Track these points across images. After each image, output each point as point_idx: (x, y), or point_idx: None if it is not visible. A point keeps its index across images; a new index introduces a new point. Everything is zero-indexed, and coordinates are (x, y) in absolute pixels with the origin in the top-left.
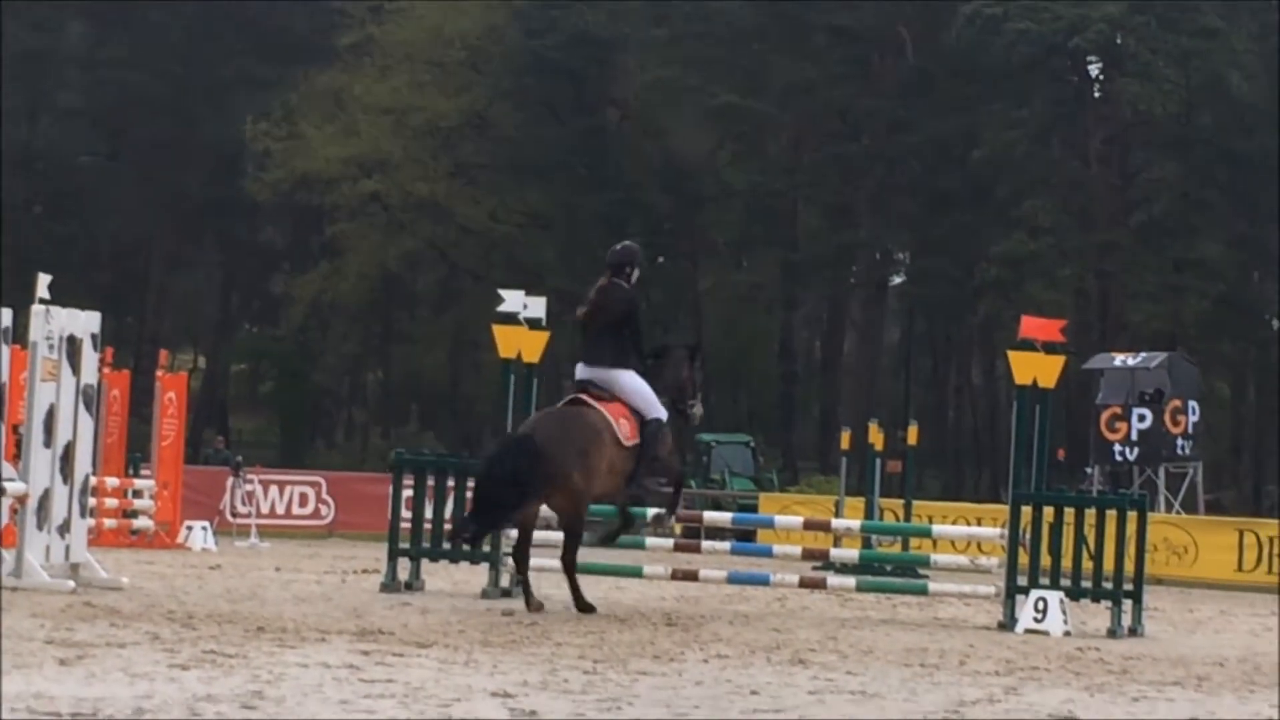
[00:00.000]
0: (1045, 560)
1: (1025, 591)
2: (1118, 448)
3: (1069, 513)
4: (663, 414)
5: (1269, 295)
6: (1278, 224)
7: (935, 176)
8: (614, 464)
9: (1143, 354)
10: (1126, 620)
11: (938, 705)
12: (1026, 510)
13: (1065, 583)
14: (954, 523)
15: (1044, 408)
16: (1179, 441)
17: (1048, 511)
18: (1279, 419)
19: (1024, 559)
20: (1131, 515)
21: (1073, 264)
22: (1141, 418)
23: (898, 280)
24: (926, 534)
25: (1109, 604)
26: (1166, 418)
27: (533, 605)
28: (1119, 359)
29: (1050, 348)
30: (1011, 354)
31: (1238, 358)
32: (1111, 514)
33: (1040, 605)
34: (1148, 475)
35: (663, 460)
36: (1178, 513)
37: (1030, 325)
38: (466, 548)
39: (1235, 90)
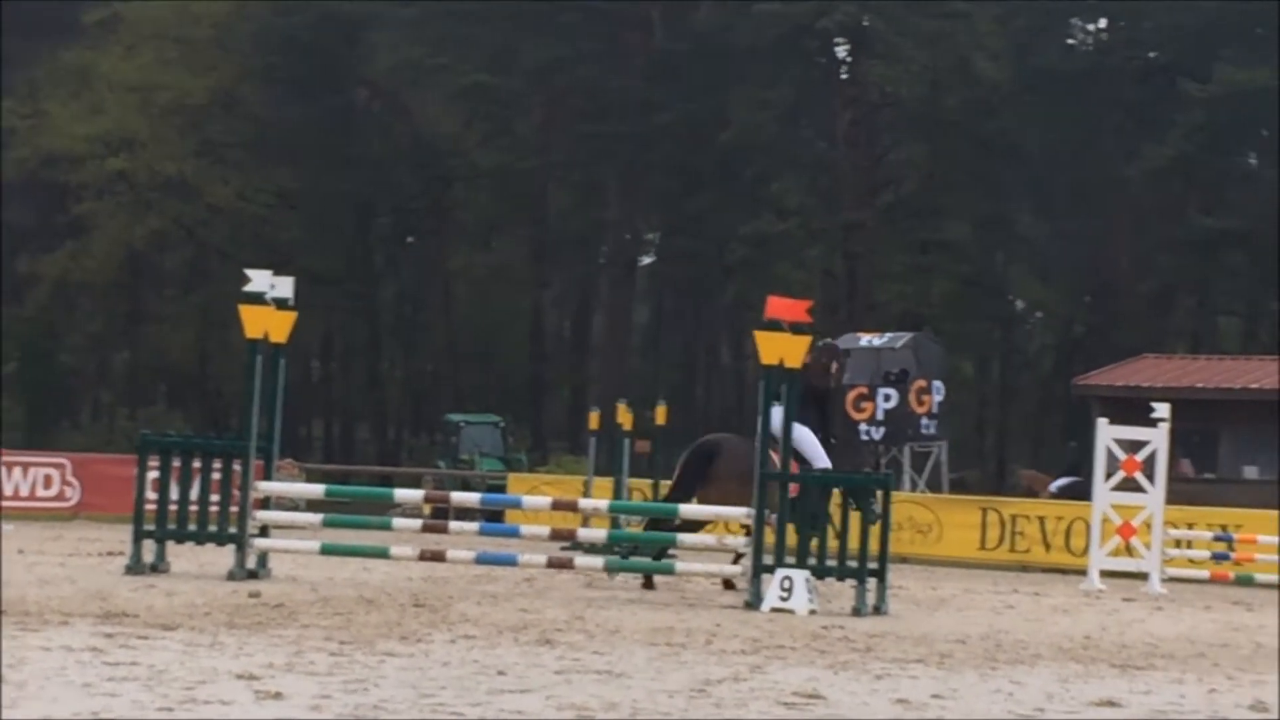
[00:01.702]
0: (792, 539)
1: (771, 570)
2: (864, 427)
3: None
4: (828, 465)
5: (1013, 276)
6: (1023, 204)
7: (685, 156)
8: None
9: (889, 334)
10: (871, 599)
11: (683, 684)
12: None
13: (811, 561)
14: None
15: (791, 387)
16: (924, 421)
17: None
18: (1022, 398)
19: (771, 538)
20: (877, 495)
21: (820, 244)
22: (887, 397)
23: (647, 260)
24: (673, 514)
25: (854, 582)
26: (912, 397)
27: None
28: (865, 339)
29: (797, 328)
30: (758, 334)
31: (982, 337)
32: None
33: (786, 584)
34: (893, 454)
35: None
36: (923, 491)
37: (776, 305)
38: None
39: (980, 72)
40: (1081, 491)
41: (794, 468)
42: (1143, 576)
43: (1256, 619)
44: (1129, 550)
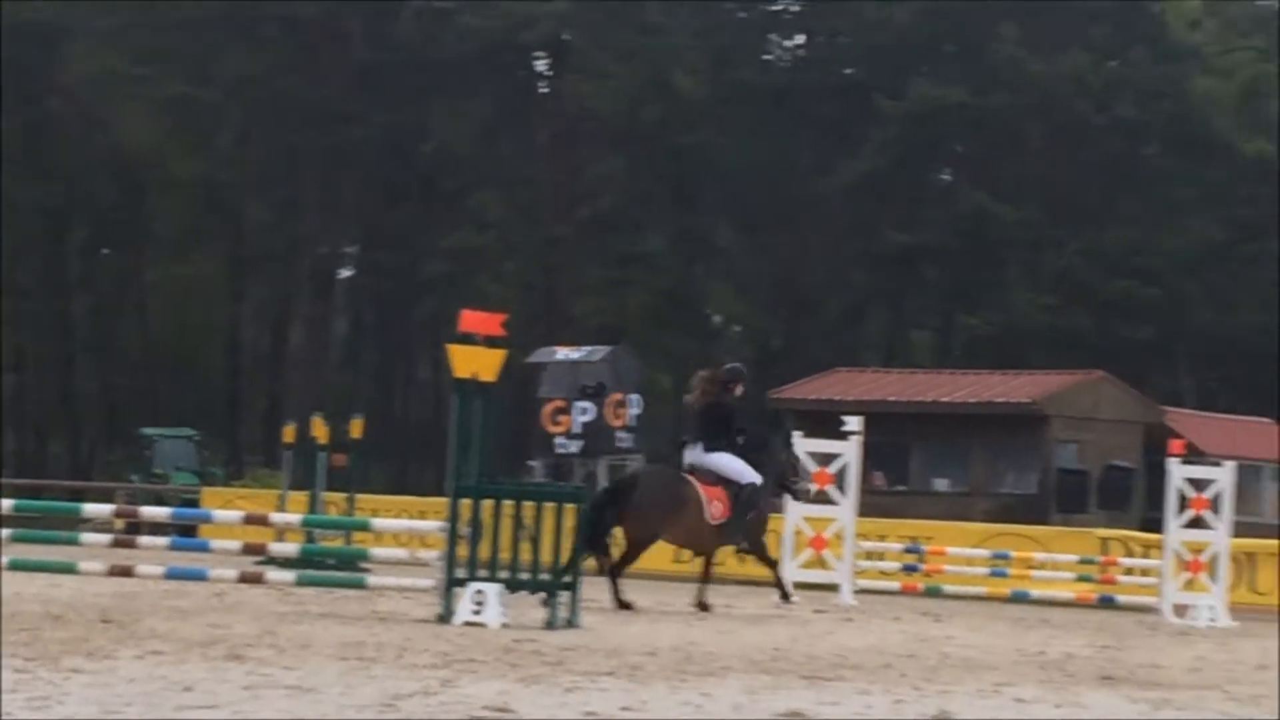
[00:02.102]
0: (485, 553)
1: (464, 584)
2: (560, 440)
3: (509, 505)
4: (756, 479)
5: (711, 289)
6: (721, 218)
7: (384, 169)
8: (694, 530)
9: (586, 348)
10: (564, 612)
11: (373, 698)
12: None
13: (505, 575)
14: (399, 516)
15: (486, 401)
16: (620, 434)
17: (487, 504)
18: None
19: (465, 552)
20: (570, 508)
21: (519, 258)
22: (584, 411)
23: (347, 273)
24: (366, 527)
25: (547, 595)
26: (608, 411)
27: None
28: (562, 353)
29: (491, 341)
30: (451, 347)
31: (680, 351)
32: (550, 506)
33: (478, 598)
34: (590, 468)
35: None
36: None
37: (470, 319)
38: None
39: (678, 87)
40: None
41: (721, 493)
42: (834, 588)
43: (944, 630)
44: (821, 562)
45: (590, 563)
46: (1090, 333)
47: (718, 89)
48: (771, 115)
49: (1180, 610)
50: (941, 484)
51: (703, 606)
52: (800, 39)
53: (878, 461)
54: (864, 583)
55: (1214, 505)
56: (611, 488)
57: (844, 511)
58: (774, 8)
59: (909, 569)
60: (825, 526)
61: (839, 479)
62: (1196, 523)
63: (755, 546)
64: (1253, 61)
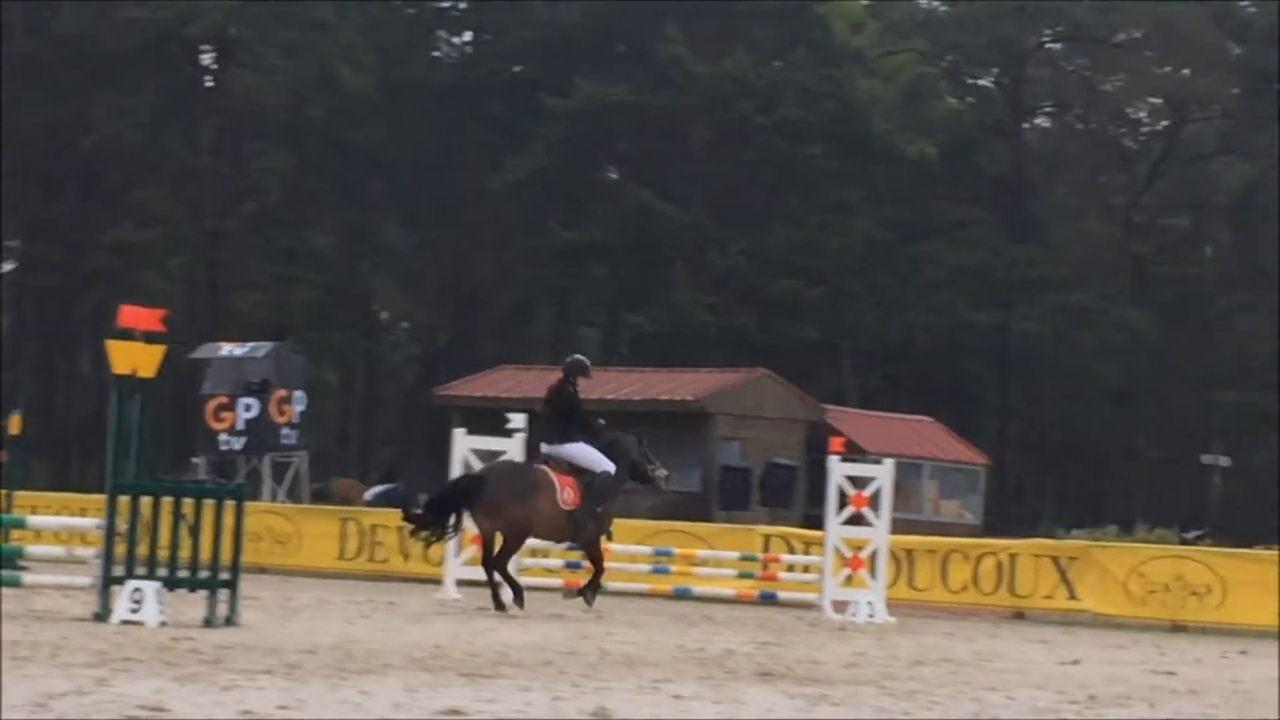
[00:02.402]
0: (144, 550)
1: (122, 582)
2: (224, 437)
3: (168, 502)
4: (610, 468)
5: (378, 286)
6: (388, 214)
7: (45, 162)
8: (549, 517)
9: (250, 344)
10: (223, 610)
11: (26, 698)
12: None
13: (163, 573)
14: (59, 513)
15: (145, 397)
16: (285, 431)
17: (146, 502)
18: (386, 408)
19: (123, 549)
20: (229, 505)
21: (184, 253)
22: (248, 407)
23: (8, 267)
24: (21, 525)
25: (206, 593)
26: (273, 407)
27: (499, 605)
28: (227, 349)
29: (151, 337)
30: (110, 343)
31: (346, 347)
32: (210, 504)
33: (136, 596)
34: (254, 464)
35: (597, 516)
36: (283, 502)
37: (129, 314)
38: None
39: (346, 82)
40: (398, 498)
41: (573, 481)
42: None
43: (606, 627)
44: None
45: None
46: (754, 332)
47: (386, 85)
48: (439, 112)
49: (840, 606)
50: None
51: (586, 593)
52: (468, 36)
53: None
54: (529, 580)
55: (873, 502)
56: (460, 485)
57: None
58: (442, 4)
59: (573, 566)
60: None
61: None
62: (856, 520)
63: (593, 541)
64: (914, 64)
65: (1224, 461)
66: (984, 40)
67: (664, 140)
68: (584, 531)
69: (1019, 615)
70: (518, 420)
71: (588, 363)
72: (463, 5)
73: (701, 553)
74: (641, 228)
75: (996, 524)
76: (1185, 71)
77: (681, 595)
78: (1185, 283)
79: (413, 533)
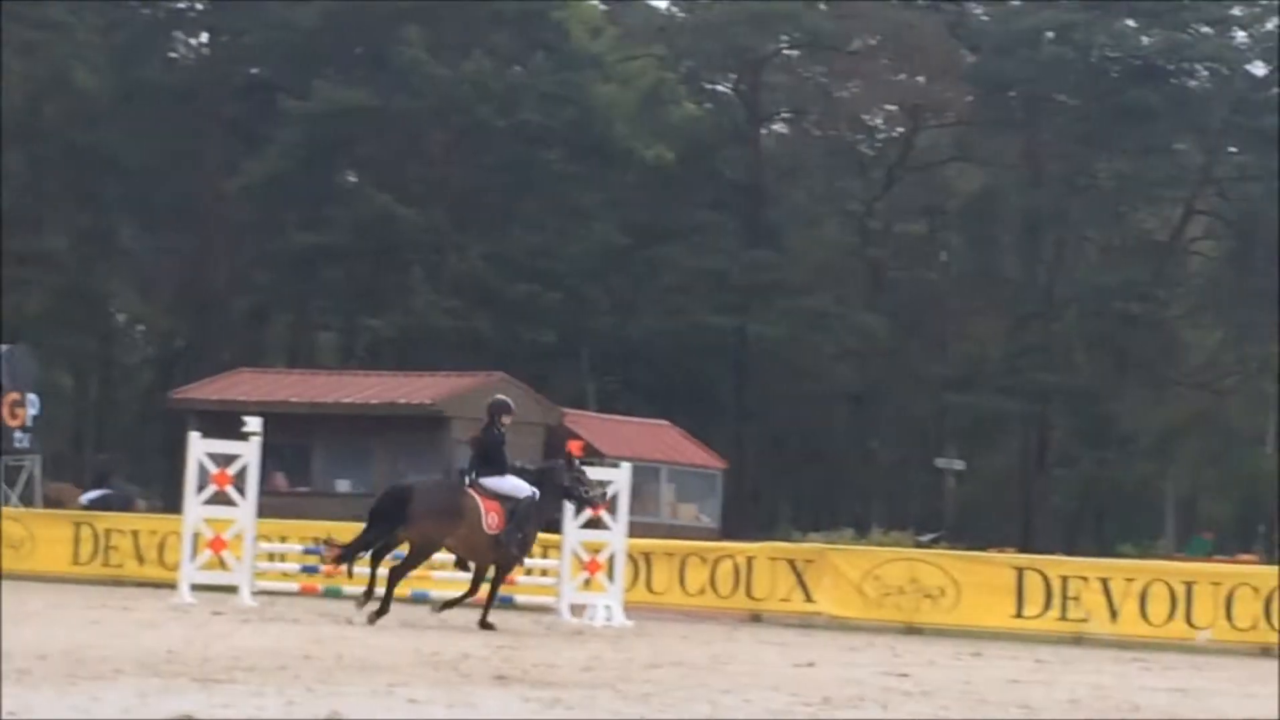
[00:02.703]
0: None
1: None
2: None
3: None
4: (534, 494)
5: (114, 288)
6: (124, 217)
7: None
8: (469, 538)
9: None
10: None
11: None
12: None
13: None
14: None
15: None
16: (17, 434)
17: None
18: (122, 411)
19: None
20: None
21: None
22: None
23: None
24: None
25: None
26: (5, 411)
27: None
28: None
29: None
30: None
31: (81, 350)
32: None
33: None
34: None
35: (519, 540)
36: (16, 506)
37: None
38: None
39: (80, 83)
40: (114, 503)
41: (498, 506)
42: (233, 589)
43: (342, 631)
44: (221, 563)
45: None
46: (493, 335)
47: (120, 86)
48: (175, 114)
49: (577, 610)
50: (343, 485)
51: (486, 625)
52: (205, 38)
53: (279, 462)
54: (264, 584)
55: (611, 506)
56: (388, 498)
57: (244, 513)
58: (178, 5)
59: (309, 570)
60: (225, 528)
61: (239, 480)
62: (594, 523)
63: (511, 565)
64: (652, 69)
65: (958, 465)
66: (721, 46)
67: (403, 144)
68: (505, 554)
69: (755, 618)
70: (254, 424)
71: (510, 402)
72: (199, 6)
73: (440, 556)
74: (380, 231)
75: (734, 527)
76: (920, 79)
77: (419, 599)
78: (920, 287)
79: (337, 560)
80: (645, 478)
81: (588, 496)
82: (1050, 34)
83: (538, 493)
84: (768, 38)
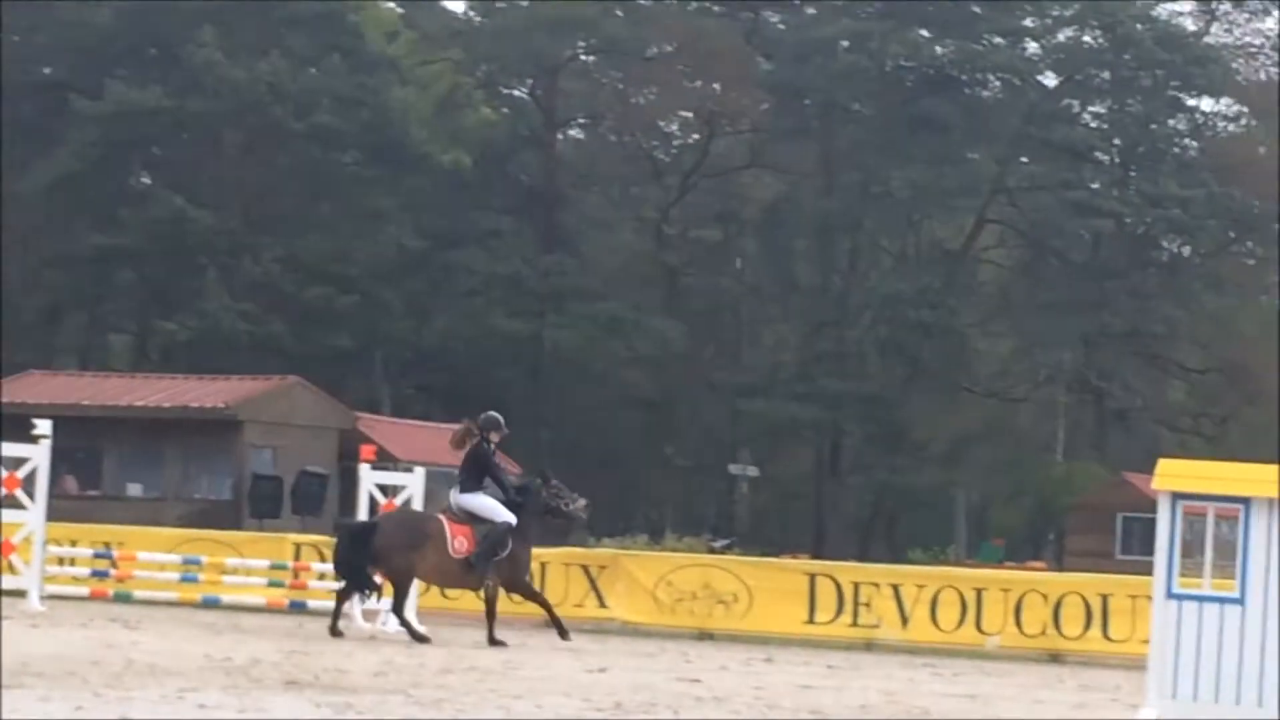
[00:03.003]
0: None
1: None
2: None
3: None
4: (509, 518)
5: None
6: None
7: None
8: (435, 564)
9: None
10: None
11: None
12: None
13: None
14: None
15: None
16: None
17: None
18: None
19: None
20: None
21: None
22: None
23: None
24: None
25: None
26: None
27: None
28: None
29: None
30: None
31: None
32: None
33: None
34: None
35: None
36: None
37: None
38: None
39: None
40: None
41: (468, 530)
42: (22, 594)
43: (132, 636)
44: (10, 567)
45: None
46: (287, 339)
47: None
48: None
49: (371, 615)
50: (135, 489)
51: (495, 642)
52: None
53: (70, 466)
54: (53, 588)
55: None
56: (353, 532)
57: (33, 516)
58: None
59: (99, 574)
60: (14, 531)
61: (28, 483)
62: None
63: (517, 586)
64: (449, 73)
65: (752, 471)
66: (518, 51)
67: (197, 145)
68: (476, 578)
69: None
70: (44, 427)
71: (500, 418)
72: None
73: (231, 561)
74: (173, 233)
75: None
76: (716, 86)
77: (210, 604)
78: (715, 294)
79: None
80: (439, 483)
81: (570, 510)
82: (845, 43)
83: (514, 520)
84: (564, 43)
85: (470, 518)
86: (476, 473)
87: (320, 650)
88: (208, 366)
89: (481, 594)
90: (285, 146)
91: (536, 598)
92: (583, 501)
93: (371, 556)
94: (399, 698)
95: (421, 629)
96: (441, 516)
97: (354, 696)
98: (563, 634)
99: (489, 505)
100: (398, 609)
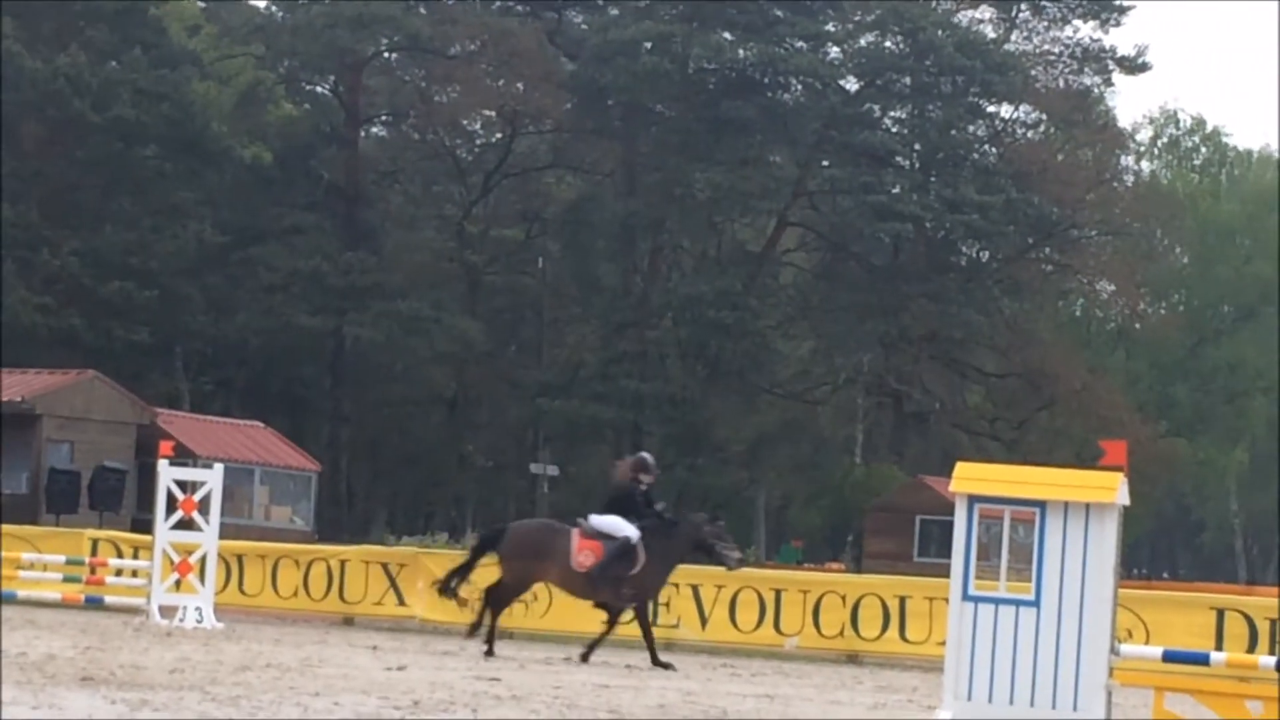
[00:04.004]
0: None
1: None
2: None
3: None
4: (633, 534)
5: None
6: None
7: None
8: (557, 575)
9: None
10: None
11: None
12: None
13: None
14: None
15: None
16: None
17: None
18: None
19: None
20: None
21: None
22: None
23: None
24: None
25: None
26: None
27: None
28: None
29: None
30: None
31: None
32: None
33: None
34: None
35: (621, 581)
36: None
37: None
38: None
39: None
40: None
41: (596, 546)
42: None
43: None
44: None
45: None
46: (85, 333)
47: None
48: None
49: (168, 611)
50: None
51: (658, 663)
52: None
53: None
54: None
55: (203, 507)
56: (484, 537)
57: None
58: None
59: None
60: None
61: None
62: (186, 524)
63: (638, 602)
64: (251, 68)
65: (553, 470)
66: (321, 47)
67: None
68: (596, 592)
69: (348, 621)
70: None
71: (651, 461)
72: None
73: (27, 555)
74: None
75: (328, 530)
76: (519, 85)
77: (6, 599)
78: (517, 293)
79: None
80: (239, 479)
81: (721, 552)
82: (648, 44)
83: (635, 534)
84: (367, 40)
85: (598, 534)
86: (618, 511)
87: (117, 646)
88: (5, 360)
89: (616, 611)
90: (85, 139)
91: (644, 623)
92: (738, 555)
93: (497, 554)
94: (195, 694)
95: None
96: (574, 530)
97: (150, 693)
98: (657, 661)
99: (616, 522)
100: (498, 606)
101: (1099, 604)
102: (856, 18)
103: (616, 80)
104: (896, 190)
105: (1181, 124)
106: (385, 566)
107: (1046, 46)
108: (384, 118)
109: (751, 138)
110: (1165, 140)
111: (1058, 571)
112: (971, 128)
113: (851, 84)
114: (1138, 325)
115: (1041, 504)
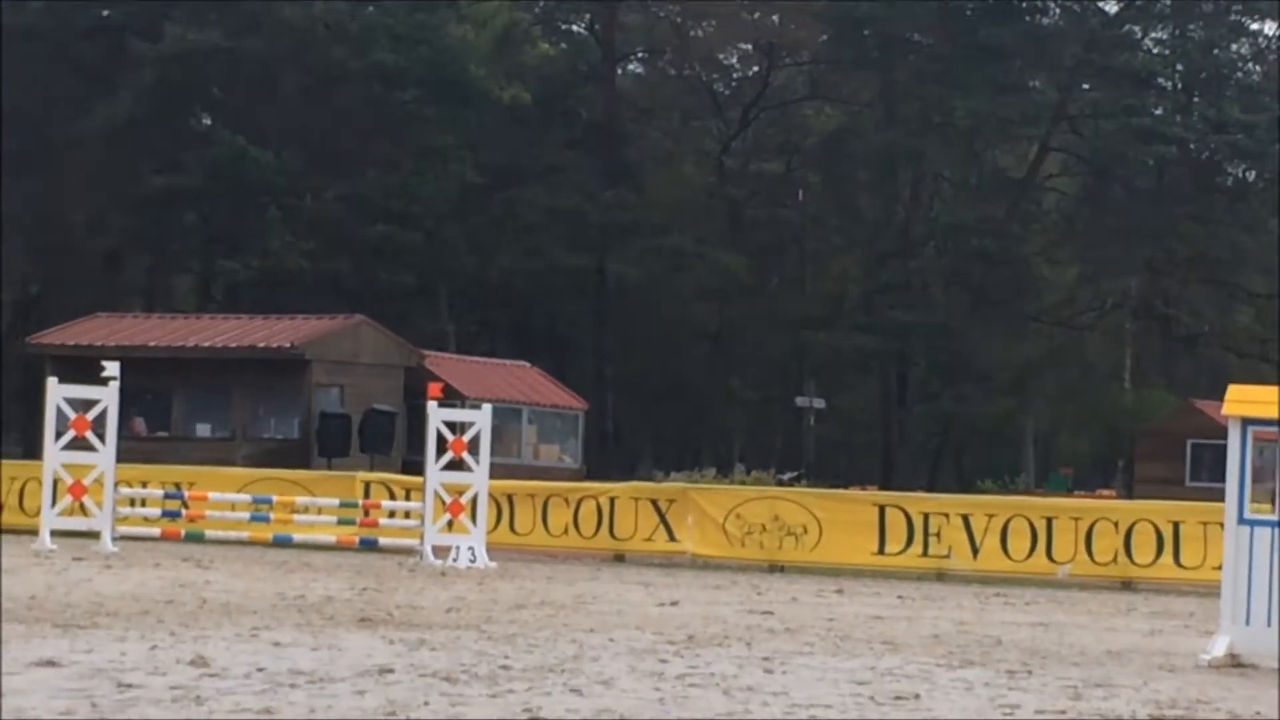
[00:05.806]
0: None
1: None
2: None
3: None
4: None
5: None
6: None
7: None
8: None
9: None
10: None
11: None
12: None
13: None
14: None
15: None
16: None
17: None
18: None
19: None
20: None
21: None
22: None
23: None
24: None
25: None
26: None
27: None
28: None
29: None
30: None
31: None
32: None
33: None
34: None
35: None
36: None
37: None
38: None
39: None
40: None
41: None
42: (95, 535)
43: (205, 575)
44: (82, 509)
45: None
46: (351, 277)
47: None
48: (24, 57)
49: (441, 551)
50: (204, 429)
51: None
52: None
53: (139, 408)
54: (125, 529)
55: (472, 447)
56: None
57: (104, 458)
58: None
59: (170, 515)
60: (85, 473)
61: (98, 425)
62: (456, 465)
63: None
64: (506, 10)
65: (819, 403)
66: None
67: (256, 86)
68: None
69: (619, 558)
70: (112, 369)
71: None
72: None
73: (301, 500)
74: (235, 174)
75: (596, 468)
76: (774, 18)
77: (282, 543)
78: (778, 226)
79: None
80: (506, 419)
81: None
82: None
83: None
84: None
85: None
86: None
87: (393, 587)
88: (271, 306)
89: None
90: (344, 85)
91: None
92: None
93: None
94: (472, 633)
95: None
96: None
97: (428, 632)
98: None
99: None
100: None
101: None
102: None
103: (873, 10)
104: (1159, 112)
105: None
106: (655, 503)
107: None
108: (640, 54)
109: (1010, 63)
110: None
111: None
112: (1234, 46)
113: (1111, 5)
114: None
115: None
